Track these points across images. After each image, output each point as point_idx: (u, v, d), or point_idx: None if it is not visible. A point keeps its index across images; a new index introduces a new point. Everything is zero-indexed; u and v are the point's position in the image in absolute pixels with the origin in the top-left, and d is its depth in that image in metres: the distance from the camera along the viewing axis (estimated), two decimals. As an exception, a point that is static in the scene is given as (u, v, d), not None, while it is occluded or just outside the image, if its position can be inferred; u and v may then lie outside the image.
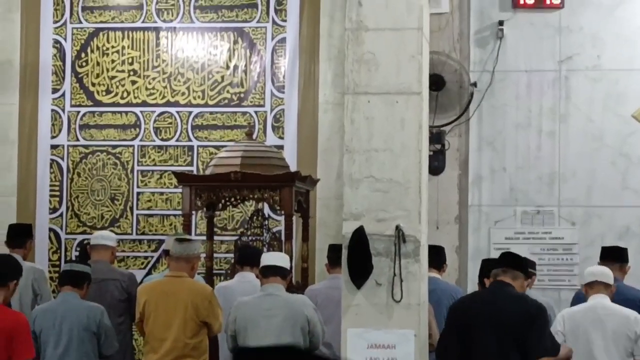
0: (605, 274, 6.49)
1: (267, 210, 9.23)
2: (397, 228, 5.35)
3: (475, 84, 9.23)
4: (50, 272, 9.38)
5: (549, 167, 9.28)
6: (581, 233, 9.17)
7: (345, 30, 5.51)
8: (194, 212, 8.57)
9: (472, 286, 8.43)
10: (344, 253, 5.40)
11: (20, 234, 8.33)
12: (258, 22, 9.89)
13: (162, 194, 9.90)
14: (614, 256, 7.44)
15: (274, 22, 9.88)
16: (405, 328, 5.32)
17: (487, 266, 6.32)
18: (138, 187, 9.93)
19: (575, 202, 9.22)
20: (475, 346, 5.34)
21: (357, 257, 5.35)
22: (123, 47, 10.03)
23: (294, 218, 8.28)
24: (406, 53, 5.44)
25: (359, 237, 5.34)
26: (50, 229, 9.94)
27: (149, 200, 9.92)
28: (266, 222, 8.95)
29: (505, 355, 5.28)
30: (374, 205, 5.38)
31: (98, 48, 10.05)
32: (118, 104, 10.00)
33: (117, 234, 9.12)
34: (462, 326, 5.41)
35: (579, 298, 6.88)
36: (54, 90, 10.06)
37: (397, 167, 5.39)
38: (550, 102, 9.32)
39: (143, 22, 10.02)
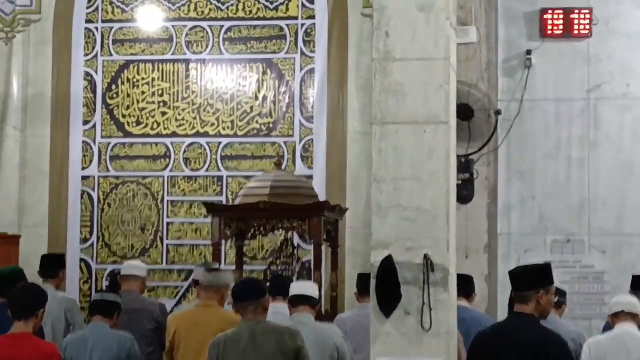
0: (633, 303, 6.42)
1: (296, 240, 9.25)
2: (426, 257, 5.34)
3: (499, 112, 9.24)
4: (81, 302, 9.44)
5: (579, 196, 9.25)
6: (612, 261, 9.12)
7: (372, 61, 5.54)
8: (223, 241, 8.61)
9: (503, 315, 8.36)
10: (373, 282, 5.39)
11: (54, 265, 8.39)
12: (287, 53, 9.97)
13: (191, 224, 9.96)
14: (645, 285, 7.39)
15: (302, 53, 9.95)
16: (434, 357, 5.30)
17: None
18: (168, 217, 9.99)
19: (606, 231, 9.18)
20: None
21: (385, 286, 5.34)
22: (153, 79, 10.13)
23: (323, 247, 8.30)
24: (434, 83, 5.45)
25: (388, 266, 5.33)
26: (81, 259, 10.02)
27: (179, 231, 9.97)
28: (296, 252, 8.98)
29: None
30: (403, 234, 5.38)
31: (129, 80, 10.17)
32: (148, 135, 10.09)
33: (147, 264, 9.15)
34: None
35: (610, 328, 6.83)
36: (85, 122, 10.17)
37: (426, 196, 5.39)
38: (580, 131, 9.31)
39: (173, 54, 10.13)
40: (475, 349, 5.37)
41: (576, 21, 9.32)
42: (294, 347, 5.71)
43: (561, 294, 7.25)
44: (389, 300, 5.34)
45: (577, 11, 9.31)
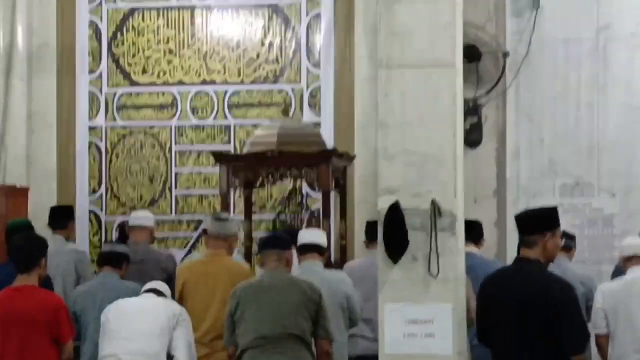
0: (644, 247, 6.40)
1: (305, 188, 9.22)
2: (433, 202, 5.30)
3: (506, 54, 9.14)
4: (91, 253, 9.43)
5: (588, 139, 9.17)
6: (621, 204, 9.07)
7: (377, 3, 5.46)
8: (231, 190, 8.58)
9: (512, 260, 8.35)
10: (380, 229, 5.37)
11: (62, 216, 8.43)
12: (292, -3, 9.87)
13: (200, 173, 9.93)
14: (655, 227, 7.35)
15: (308, -2, 9.85)
16: (442, 302, 5.29)
17: None
18: (176, 167, 9.96)
19: (615, 174, 9.11)
20: (499, 334, 5.15)
21: (392, 232, 5.31)
22: (158, 27, 10.04)
23: (331, 195, 8.27)
24: (439, 25, 5.39)
25: (395, 212, 5.31)
26: (90, 211, 10.00)
27: (187, 180, 9.95)
28: (304, 200, 8.96)
29: (530, 344, 5.03)
30: (409, 180, 5.35)
31: (133, 28, 10.07)
32: (154, 84, 10.02)
33: (155, 214, 9.15)
34: (486, 305, 5.24)
35: (619, 271, 6.80)
36: (91, 72, 10.10)
37: (432, 140, 5.35)
38: (589, 72, 9.20)
39: (178, 0, 10.02)
40: (481, 294, 5.36)
41: (586, -41, 9.19)
42: (315, 301, 5.74)
43: (570, 237, 7.23)
44: (396, 246, 5.32)
45: (586, -51, 9.19)
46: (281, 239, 6.07)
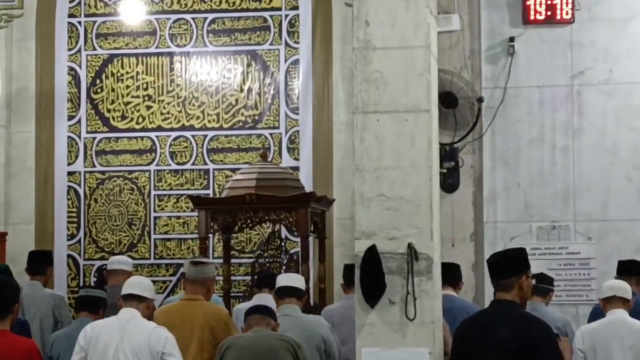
0: (624, 288, 6.43)
1: (284, 232, 9.24)
2: (409, 246, 5.33)
3: (481, 100, 9.24)
4: (69, 298, 9.41)
5: (564, 182, 9.27)
6: (598, 248, 9.14)
7: (353, 50, 5.53)
8: (210, 235, 8.59)
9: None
10: (357, 272, 5.39)
11: (41, 261, 8.36)
12: (271, 44, 9.95)
13: (178, 217, 9.94)
14: (631, 270, 7.40)
15: (286, 44, 9.93)
16: (419, 346, 5.29)
17: None
18: (155, 211, 9.98)
19: (591, 217, 9.19)
20: None
21: (369, 276, 5.33)
22: (137, 73, 10.11)
23: (310, 239, 8.29)
24: (414, 71, 5.44)
25: (371, 256, 5.33)
26: (69, 255, 10.00)
27: (166, 225, 9.96)
28: (283, 244, 8.97)
29: None
30: (386, 224, 5.37)
31: (113, 74, 10.14)
32: (133, 129, 10.07)
33: (134, 258, 9.16)
34: (465, 348, 5.26)
35: (597, 313, 6.83)
36: (70, 117, 10.14)
37: (408, 185, 5.38)
38: (564, 117, 9.32)
39: (157, 47, 10.10)
40: (458, 337, 5.36)
41: (558, 7, 9.32)
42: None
43: (548, 281, 7.26)
44: (373, 290, 5.34)
45: (559, -3, 9.33)
46: (271, 310, 6.16)
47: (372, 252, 5.34)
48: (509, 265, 5.20)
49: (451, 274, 7.30)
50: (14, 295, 5.87)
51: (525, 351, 5.01)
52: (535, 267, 6.44)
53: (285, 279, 6.63)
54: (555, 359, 5.09)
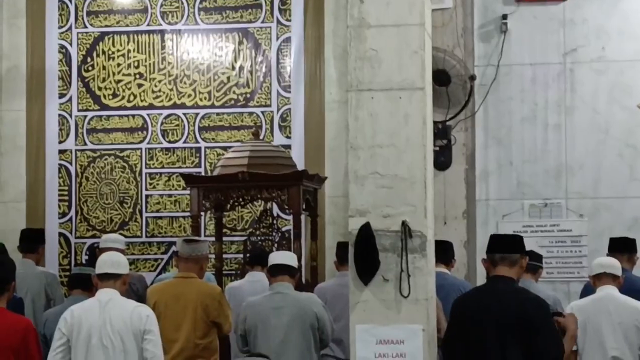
0: (614, 265, 6.47)
1: (276, 210, 9.25)
2: (403, 223, 5.35)
3: (473, 77, 9.24)
4: (61, 276, 9.41)
5: (556, 160, 9.28)
6: (589, 225, 9.17)
7: (347, 28, 5.52)
8: (202, 213, 8.59)
9: (482, 281, 8.41)
10: (351, 250, 5.40)
11: (33, 240, 8.38)
12: (262, 22, 9.92)
13: (170, 196, 9.94)
14: (622, 247, 7.44)
15: (278, 22, 9.90)
16: (413, 323, 5.32)
17: None
18: (146, 189, 9.97)
19: (583, 194, 9.22)
20: (474, 345, 5.24)
21: (363, 254, 5.35)
22: (128, 51, 10.07)
23: (302, 217, 8.30)
24: (409, 49, 5.45)
25: (365, 234, 5.35)
26: (60, 234, 9.99)
27: (158, 203, 9.95)
28: (275, 222, 8.98)
29: (504, 355, 5.14)
30: (380, 202, 5.39)
31: (104, 52, 10.10)
32: (125, 108, 10.04)
33: (126, 237, 9.17)
34: (463, 324, 5.33)
35: (588, 290, 6.87)
36: (61, 95, 10.11)
37: (402, 162, 5.40)
38: (556, 95, 9.33)
39: (148, 25, 10.06)
40: (457, 312, 5.42)
41: (551, -16, 9.33)
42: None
43: (537, 258, 7.29)
44: (367, 267, 5.36)
45: (552, -26, 9.32)
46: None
47: (366, 229, 5.35)
48: (516, 243, 5.43)
49: (444, 252, 7.34)
50: (10, 273, 5.88)
51: (524, 326, 5.13)
52: (527, 244, 6.52)
53: (278, 257, 6.65)
54: (554, 333, 5.20)
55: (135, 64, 10.05)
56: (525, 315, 5.16)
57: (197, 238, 7.19)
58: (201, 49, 9.98)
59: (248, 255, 8.39)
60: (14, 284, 5.96)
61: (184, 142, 9.96)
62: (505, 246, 5.41)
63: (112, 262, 5.85)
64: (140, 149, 10.00)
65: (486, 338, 5.21)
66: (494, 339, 5.19)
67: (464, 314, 5.36)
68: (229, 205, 8.68)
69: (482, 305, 5.28)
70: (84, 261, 9.57)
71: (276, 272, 6.50)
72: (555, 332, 5.25)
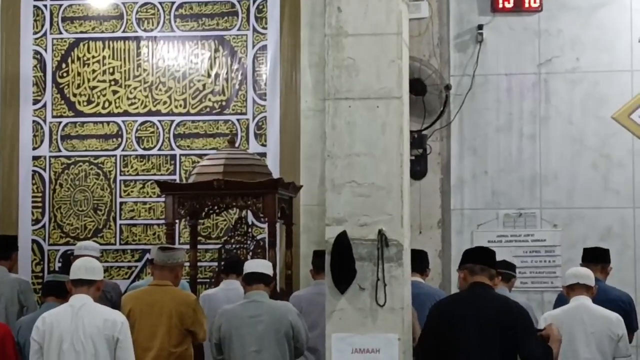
0: (587, 275, 6.50)
1: (250, 218, 9.24)
2: (380, 232, 5.36)
3: (448, 87, 9.28)
4: (33, 283, 9.35)
5: (531, 170, 9.33)
6: (563, 235, 9.22)
7: (325, 36, 5.53)
8: (177, 221, 8.56)
9: (456, 290, 8.44)
10: (327, 258, 5.40)
11: (6, 246, 8.32)
12: (239, 30, 9.92)
13: (145, 203, 9.90)
14: (596, 257, 7.46)
15: (254, 30, 9.90)
16: (389, 332, 5.33)
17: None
18: (121, 197, 9.93)
19: (557, 204, 9.27)
20: (453, 352, 5.28)
21: (340, 262, 5.35)
22: (104, 57, 10.03)
23: (277, 225, 8.29)
24: (386, 58, 5.46)
25: (342, 242, 5.35)
26: (33, 241, 9.93)
27: (132, 210, 9.91)
28: (250, 230, 8.96)
29: (487, 357, 5.22)
30: (356, 210, 5.39)
31: (79, 58, 10.06)
32: (100, 114, 10.00)
33: (100, 244, 9.12)
34: (442, 328, 5.36)
35: (562, 300, 6.90)
36: (35, 101, 10.06)
37: (379, 171, 5.41)
38: (531, 105, 9.38)
39: (123, 31, 10.03)
40: (433, 319, 5.44)
41: (527, -5, 9.38)
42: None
43: (511, 267, 7.32)
44: (343, 276, 5.36)
45: (527, -15, 9.37)
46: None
47: (342, 238, 5.36)
48: (493, 257, 5.61)
49: (419, 261, 7.35)
50: None
51: (505, 331, 5.19)
52: (501, 254, 6.61)
53: (253, 265, 6.64)
54: (537, 337, 5.28)
55: (111, 70, 10.02)
56: (507, 320, 5.24)
57: (172, 246, 7.17)
58: (177, 56, 9.96)
59: (223, 263, 8.36)
60: None
61: (159, 149, 9.93)
62: (487, 258, 5.54)
63: (86, 268, 5.82)
64: (115, 155, 9.96)
65: (466, 343, 5.24)
66: (474, 344, 5.23)
67: (441, 320, 5.39)
68: (204, 213, 8.66)
69: (461, 312, 5.33)
70: (57, 268, 9.51)
71: (251, 280, 6.49)
72: (538, 336, 5.33)
